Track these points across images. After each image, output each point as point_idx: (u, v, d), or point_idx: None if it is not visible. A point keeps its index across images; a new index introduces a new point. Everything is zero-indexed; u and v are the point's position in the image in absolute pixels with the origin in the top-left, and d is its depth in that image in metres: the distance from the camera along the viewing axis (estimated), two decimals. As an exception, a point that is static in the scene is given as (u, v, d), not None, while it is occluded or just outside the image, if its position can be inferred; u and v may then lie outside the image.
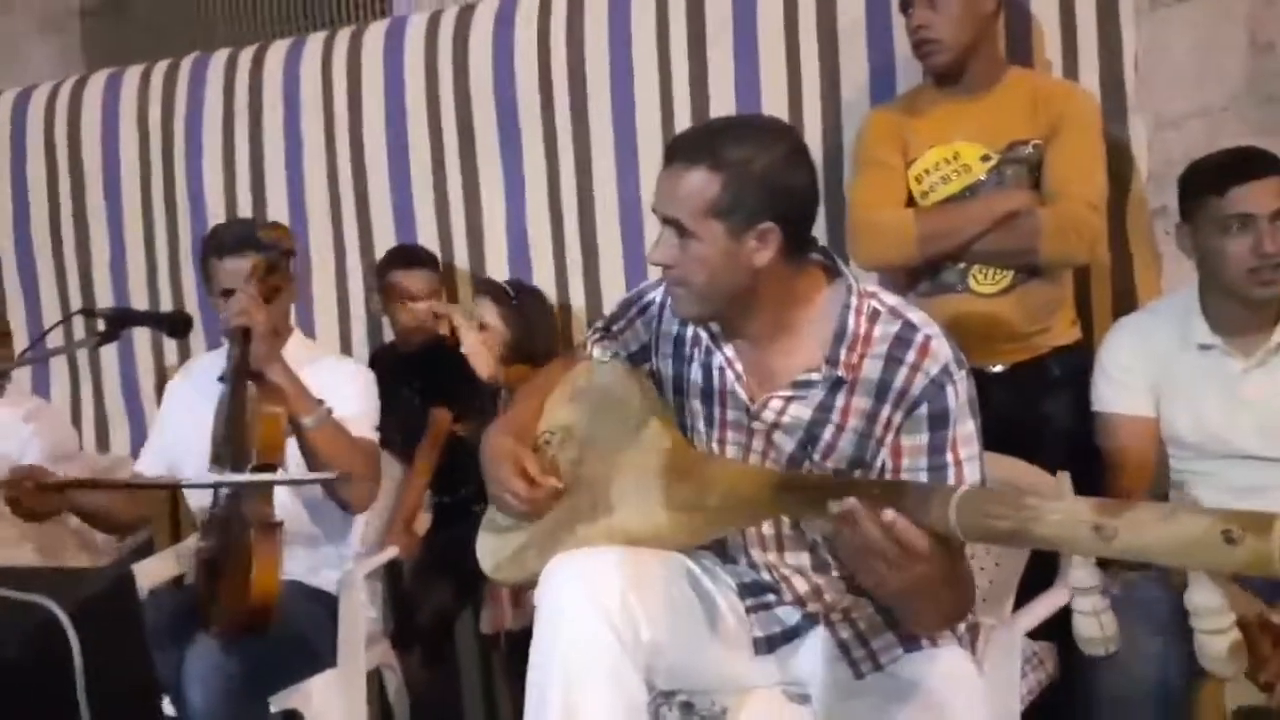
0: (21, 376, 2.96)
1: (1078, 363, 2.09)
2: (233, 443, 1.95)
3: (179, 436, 2.25)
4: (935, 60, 2.10)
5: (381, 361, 2.70)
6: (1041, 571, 1.76)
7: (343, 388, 2.15)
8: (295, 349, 2.22)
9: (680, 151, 1.41)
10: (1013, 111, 2.09)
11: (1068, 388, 2.06)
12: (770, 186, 1.37)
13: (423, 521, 2.61)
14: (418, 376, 2.63)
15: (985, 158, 2.08)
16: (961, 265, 2.08)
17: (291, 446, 2.02)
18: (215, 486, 2.00)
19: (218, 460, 1.99)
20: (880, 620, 1.47)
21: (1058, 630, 1.73)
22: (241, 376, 1.97)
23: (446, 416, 2.58)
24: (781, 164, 1.38)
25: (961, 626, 1.48)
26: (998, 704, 1.51)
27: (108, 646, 1.10)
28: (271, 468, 1.93)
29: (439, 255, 2.78)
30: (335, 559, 2.24)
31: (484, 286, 2.55)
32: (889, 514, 1.17)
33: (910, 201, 2.13)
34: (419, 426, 2.59)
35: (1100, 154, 2.08)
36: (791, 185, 1.40)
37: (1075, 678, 1.66)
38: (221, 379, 2.03)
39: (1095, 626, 1.12)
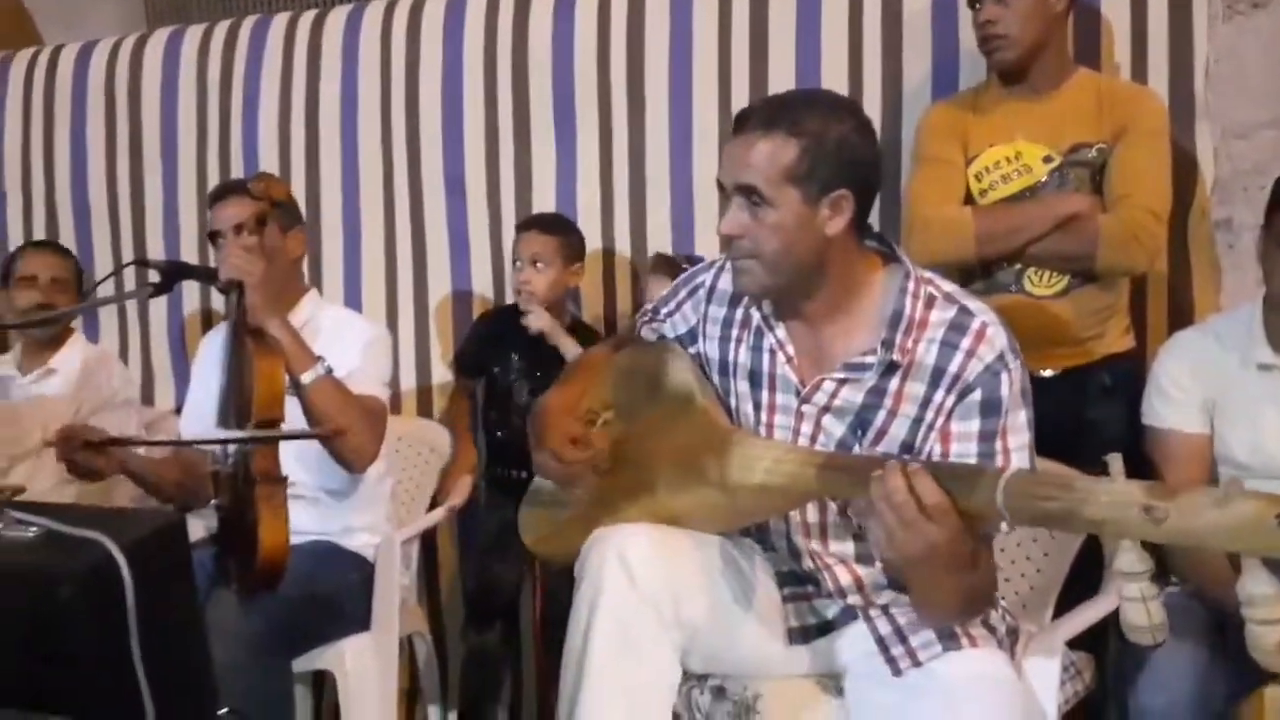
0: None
1: (1130, 371, 2.06)
2: (234, 398, 1.92)
3: (197, 396, 2.27)
4: (1001, 56, 2.07)
5: (499, 320, 2.64)
6: (1084, 582, 1.73)
7: (349, 343, 2.13)
8: (308, 307, 2.22)
9: (754, 120, 1.41)
10: (1078, 113, 2.05)
11: (1118, 396, 2.03)
12: (845, 155, 1.38)
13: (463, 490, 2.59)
14: (527, 353, 2.52)
15: (1047, 159, 2.05)
16: (1017, 266, 2.05)
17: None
18: (217, 444, 1.97)
19: (223, 417, 1.98)
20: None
21: (1097, 641, 1.71)
22: (240, 331, 1.95)
23: None
24: (854, 134, 1.40)
25: (1002, 629, 1.47)
26: (1034, 710, 1.49)
27: (160, 587, 1.12)
28: (273, 423, 1.87)
29: (489, 231, 2.78)
30: (370, 522, 2.25)
31: (659, 263, 2.43)
32: (914, 465, 1.18)
33: (968, 199, 2.11)
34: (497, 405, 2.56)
35: (1166, 161, 2.04)
36: (863, 156, 1.41)
37: (1112, 690, 1.63)
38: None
39: (1142, 613, 1.09)
